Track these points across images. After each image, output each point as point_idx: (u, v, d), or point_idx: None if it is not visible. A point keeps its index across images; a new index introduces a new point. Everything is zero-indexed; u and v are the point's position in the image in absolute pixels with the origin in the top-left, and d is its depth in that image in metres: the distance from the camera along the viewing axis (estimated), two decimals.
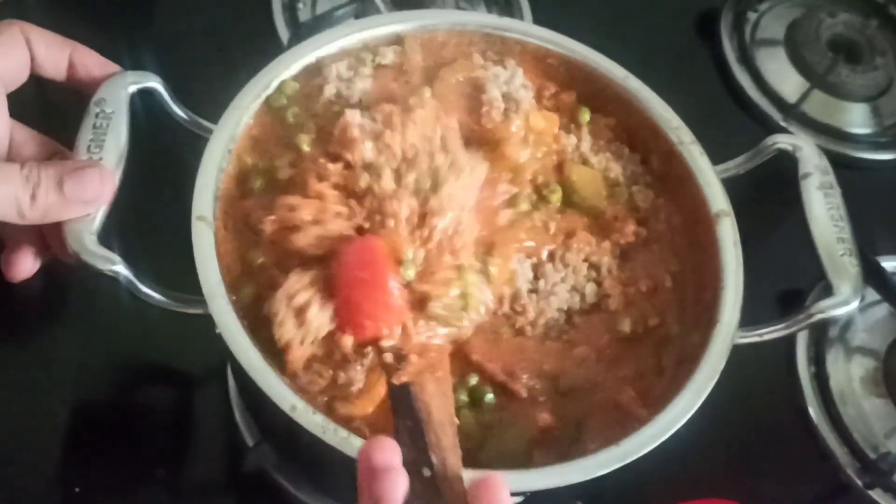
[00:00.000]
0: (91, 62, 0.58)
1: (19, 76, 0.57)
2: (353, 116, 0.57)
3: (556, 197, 0.62)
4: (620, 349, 0.58)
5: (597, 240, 0.61)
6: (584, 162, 0.64)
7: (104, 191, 0.53)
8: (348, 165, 0.56)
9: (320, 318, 0.51)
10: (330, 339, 0.52)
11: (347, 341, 0.51)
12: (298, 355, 0.51)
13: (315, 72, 0.63)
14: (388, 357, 0.51)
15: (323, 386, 0.52)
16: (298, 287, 0.51)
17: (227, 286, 0.52)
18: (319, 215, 0.53)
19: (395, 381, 0.50)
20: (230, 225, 0.56)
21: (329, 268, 0.52)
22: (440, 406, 0.46)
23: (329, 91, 0.62)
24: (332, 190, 0.55)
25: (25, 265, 0.58)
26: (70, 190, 0.52)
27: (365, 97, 0.62)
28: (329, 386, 0.52)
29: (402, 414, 0.46)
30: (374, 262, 0.52)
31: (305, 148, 0.59)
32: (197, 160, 0.55)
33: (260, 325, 0.52)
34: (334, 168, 0.55)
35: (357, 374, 0.52)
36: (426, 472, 0.40)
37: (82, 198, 0.52)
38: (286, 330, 0.51)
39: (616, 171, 0.64)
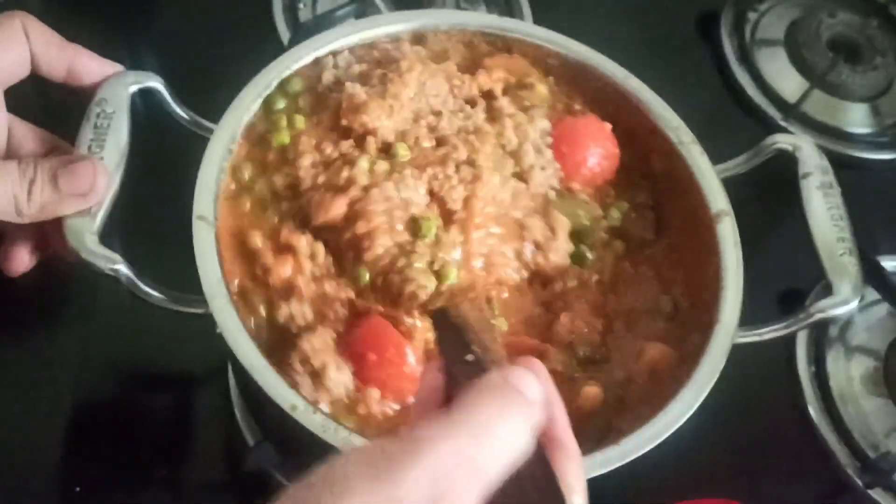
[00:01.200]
0: (92, 64, 0.58)
1: (19, 71, 0.55)
2: (354, 87, 0.59)
3: None
4: None
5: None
6: None
7: (98, 183, 0.52)
8: (358, 143, 0.57)
9: (340, 380, 0.52)
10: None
11: (374, 394, 0.53)
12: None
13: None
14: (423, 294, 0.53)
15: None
16: (311, 353, 0.52)
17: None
18: (293, 279, 0.54)
19: (431, 306, 0.52)
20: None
21: (340, 329, 0.54)
22: (476, 317, 0.48)
23: (327, 78, 0.62)
24: (304, 237, 0.55)
25: (23, 259, 0.57)
26: (64, 184, 0.51)
27: (361, 76, 0.62)
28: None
29: (442, 327, 0.48)
30: (388, 342, 0.53)
31: (300, 126, 0.60)
32: (197, 160, 0.55)
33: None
34: (343, 146, 0.57)
35: (382, 408, 0.53)
36: (469, 357, 0.42)
37: (77, 191, 0.52)
38: (307, 394, 0.51)
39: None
